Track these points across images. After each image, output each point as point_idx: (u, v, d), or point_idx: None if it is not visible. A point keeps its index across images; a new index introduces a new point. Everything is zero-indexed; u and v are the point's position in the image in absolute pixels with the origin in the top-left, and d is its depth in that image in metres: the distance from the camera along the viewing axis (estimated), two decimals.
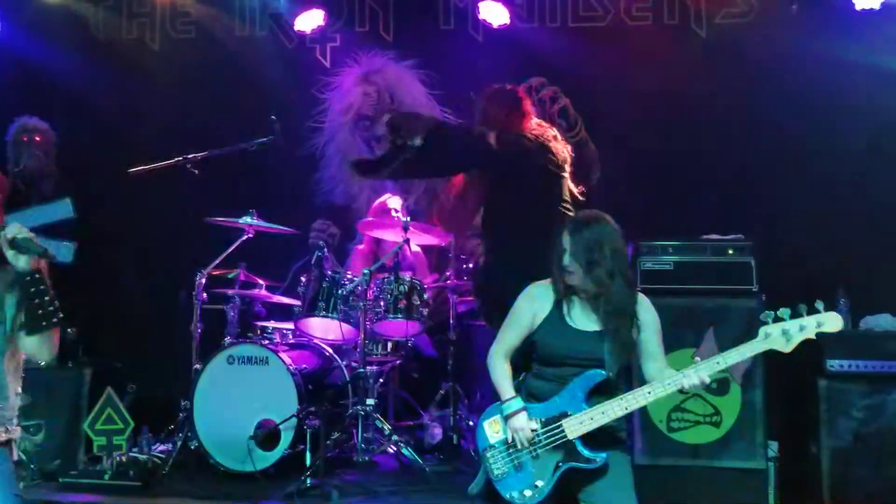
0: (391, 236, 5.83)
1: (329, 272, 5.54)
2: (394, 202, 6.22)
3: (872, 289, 5.27)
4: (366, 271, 5.34)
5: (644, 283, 4.88)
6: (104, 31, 7.07)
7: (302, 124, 6.90)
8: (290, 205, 6.71)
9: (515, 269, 4.38)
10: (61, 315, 3.00)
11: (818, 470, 4.79)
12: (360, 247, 6.44)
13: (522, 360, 3.73)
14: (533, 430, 3.50)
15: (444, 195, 6.42)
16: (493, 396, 3.73)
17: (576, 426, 3.45)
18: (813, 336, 3.29)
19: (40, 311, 2.93)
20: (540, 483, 3.48)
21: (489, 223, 5.41)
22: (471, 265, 5.99)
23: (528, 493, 3.49)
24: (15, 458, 3.21)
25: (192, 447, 5.23)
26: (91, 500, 4.79)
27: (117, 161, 6.37)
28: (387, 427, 5.39)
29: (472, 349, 5.98)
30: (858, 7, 5.92)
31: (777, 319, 3.31)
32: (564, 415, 3.48)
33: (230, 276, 5.67)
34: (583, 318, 3.59)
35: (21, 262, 2.92)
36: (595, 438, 3.48)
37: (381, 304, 5.46)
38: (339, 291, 5.46)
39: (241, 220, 5.59)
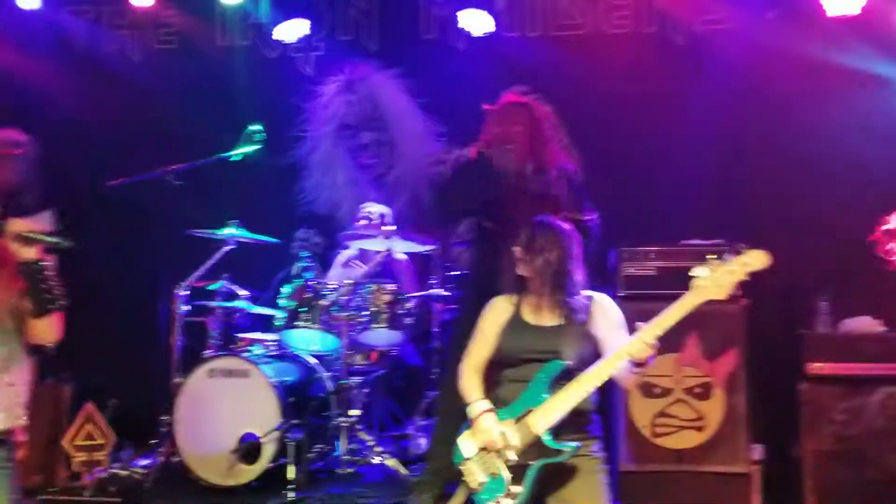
0: (375, 245, 5.82)
1: (311, 282, 5.53)
2: (376, 210, 6.22)
3: (852, 291, 5.27)
4: (348, 281, 5.32)
5: (626, 289, 4.92)
6: (85, 42, 7.04)
7: (285, 134, 6.88)
8: (273, 214, 6.69)
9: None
10: (66, 300, 3.15)
11: (801, 473, 4.81)
12: (342, 256, 6.42)
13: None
14: (503, 434, 3.47)
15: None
16: None
17: (540, 420, 3.43)
18: (744, 277, 3.29)
19: (47, 296, 3.07)
20: (516, 488, 3.45)
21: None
22: (456, 273, 5.98)
23: (505, 501, 3.45)
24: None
25: (174, 462, 5.20)
26: None
27: (99, 173, 6.37)
28: (371, 438, 5.37)
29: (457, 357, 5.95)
30: (830, 14, 5.96)
31: (705, 271, 3.32)
32: (529, 411, 3.46)
33: (212, 287, 5.65)
34: (540, 316, 3.65)
35: (30, 253, 3.06)
36: (559, 430, 3.45)
37: (365, 313, 5.45)
38: (322, 302, 5.44)
39: (223, 231, 5.57)
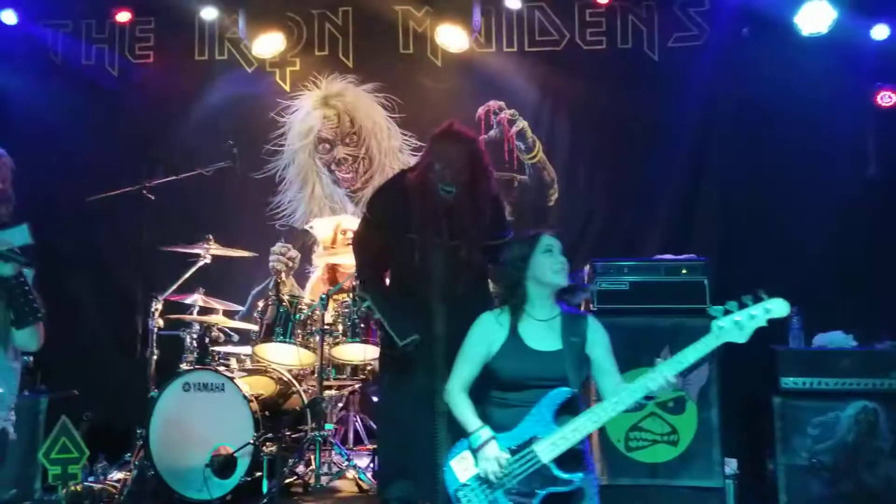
0: (348, 259, 5.81)
1: (286, 297, 5.52)
2: (348, 224, 6.22)
3: (824, 306, 5.32)
4: (323, 296, 5.32)
5: (600, 303, 4.93)
6: (63, 56, 7.02)
7: (261, 148, 6.89)
8: (250, 228, 6.70)
9: None
10: (45, 310, 3.33)
11: (775, 487, 4.84)
12: (316, 273, 6.43)
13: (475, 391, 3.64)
14: (504, 460, 3.36)
15: None
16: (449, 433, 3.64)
17: (548, 448, 3.34)
18: (764, 323, 3.30)
19: (27, 308, 3.25)
20: None
21: None
22: None
23: None
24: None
25: (149, 475, 5.16)
26: None
27: (75, 187, 6.35)
28: (345, 452, 5.35)
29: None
30: (805, 33, 6.04)
31: (727, 312, 3.32)
32: (535, 438, 3.37)
33: (188, 301, 5.64)
34: (539, 339, 3.54)
35: (7, 269, 3.18)
36: (564, 460, 3.36)
37: (340, 328, 5.44)
38: (297, 316, 5.43)
39: (197, 246, 5.56)
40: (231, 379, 5.16)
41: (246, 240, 6.22)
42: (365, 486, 5.16)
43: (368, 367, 5.65)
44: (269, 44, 6.70)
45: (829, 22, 5.98)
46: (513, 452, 3.38)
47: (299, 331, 5.40)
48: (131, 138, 6.80)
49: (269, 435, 5.05)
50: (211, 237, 5.71)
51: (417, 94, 6.80)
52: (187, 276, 5.64)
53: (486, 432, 3.41)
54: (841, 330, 5.10)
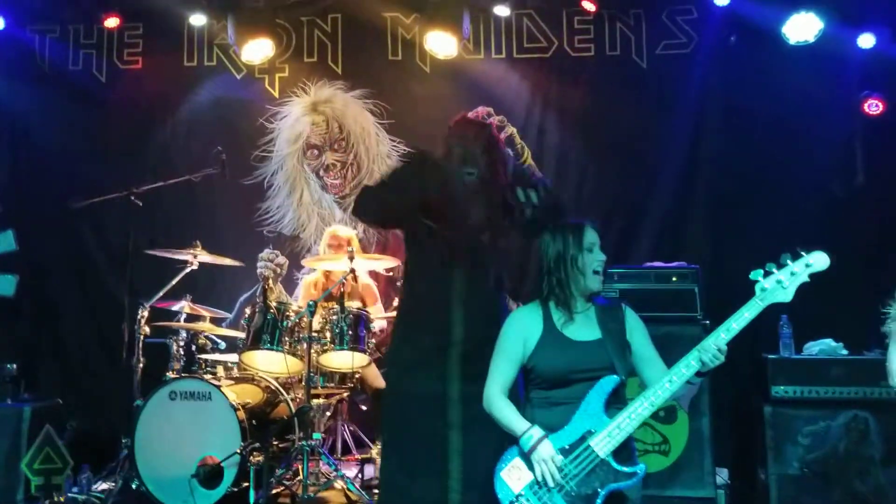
0: (338, 266, 5.78)
1: (274, 303, 5.47)
2: (340, 231, 6.19)
3: (813, 314, 5.31)
4: (311, 303, 5.28)
5: None
6: (50, 61, 6.97)
7: (250, 154, 6.86)
8: (238, 234, 6.68)
9: None
10: None
11: (767, 496, 4.82)
12: (309, 277, 6.39)
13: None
14: (559, 460, 3.19)
15: None
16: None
17: (605, 442, 3.16)
18: (807, 279, 3.24)
19: None
20: None
21: None
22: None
23: None
24: None
25: (134, 486, 5.10)
26: None
27: (61, 193, 6.31)
28: (333, 462, 5.30)
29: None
30: (792, 41, 6.05)
31: (767, 274, 3.27)
32: (589, 433, 3.20)
33: (174, 308, 5.59)
34: (577, 330, 3.37)
35: None
36: (618, 452, 3.18)
37: (328, 335, 5.40)
38: (285, 323, 5.38)
39: (184, 252, 5.51)
40: (218, 387, 5.11)
41: (234, 246, 6.19)
42: (354, 497, 5.11)
43: (357, 376, 5.61)
44: (258, 50, 6.68)
45: (815, 31, 5.99)
46: (566, 453, 3.20)
47: (287, 338, 5.35)
48: (119, 144, 6.77)
49: (257, 444, 4.99)
50: (198, 243, 5.66)
51: (406, 101, 6.79)
52: (174, 282, 5.60)
53: (537, 431, 3.21)
54: (831, 338, 5.09)
